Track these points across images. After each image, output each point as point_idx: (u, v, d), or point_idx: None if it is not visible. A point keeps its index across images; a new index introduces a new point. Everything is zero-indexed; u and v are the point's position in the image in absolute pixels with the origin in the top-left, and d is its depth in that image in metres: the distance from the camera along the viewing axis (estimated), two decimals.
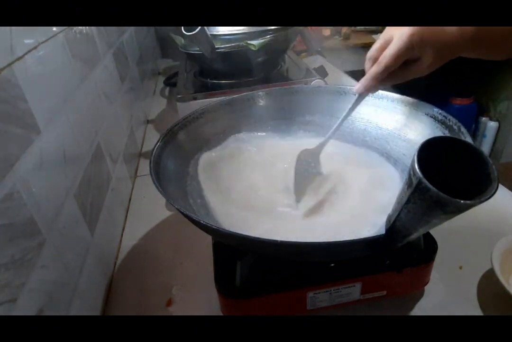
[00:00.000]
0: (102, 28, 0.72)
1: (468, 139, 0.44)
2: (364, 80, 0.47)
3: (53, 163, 0.43)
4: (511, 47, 0.47)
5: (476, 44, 0.44)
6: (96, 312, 0.49)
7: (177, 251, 0.59)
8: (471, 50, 0.45)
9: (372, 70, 0.45)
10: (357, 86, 0.48)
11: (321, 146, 0.53)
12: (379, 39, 0.45)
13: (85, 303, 0.46)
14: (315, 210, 0.48)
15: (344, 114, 0.51)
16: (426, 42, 0.42)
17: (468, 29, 0.43)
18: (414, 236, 0.33)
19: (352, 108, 0.50)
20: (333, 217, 0.47)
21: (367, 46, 1.61)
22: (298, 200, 0.50)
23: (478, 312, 0.47)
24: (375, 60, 0.45)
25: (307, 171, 0.53)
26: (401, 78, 0.46)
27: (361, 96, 0.49)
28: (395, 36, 0.43)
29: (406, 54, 0.43)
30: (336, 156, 0.56)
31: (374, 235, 0.35)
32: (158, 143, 0.48)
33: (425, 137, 0.28)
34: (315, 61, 1.26)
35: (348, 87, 0.60)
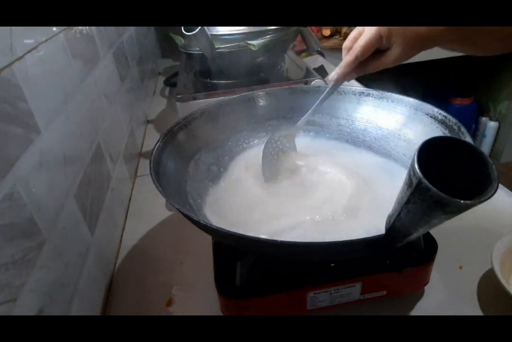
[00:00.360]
0: (102, 28, 0.72)
1: (468, 139, 0.44)
2: (337, 68, 0.49)
3: (53, 163, 0.43)
4: (489, 43, 0.46)
5: (450, 37, 0.44)
6: (96, 312, 0.49)
7: (177, 251, 0.59)
8: (446, 42, 0.46)
9: (345, 59, 0.48)
10: (331, 74, 0.51)
11: (295, 129, 0.55)
12: (354, 31, 0.48)
13: (85, 303, 0.46)
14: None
15: (318, 100, 0.53)
16: (393, 32, 0.44)
17: None
18: (414, 236, 0.33)
19: (326, 95, 0.53)
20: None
21: None
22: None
23: (478, 312, 0.47)
24: (349, 49, 0.48)
25: (280, 152, 0.54)
26: (372, 67, 0.48)
27: (336, 84, 0.52)
28: (366, 28, 0.45)
29: (375, 45, 0.45)
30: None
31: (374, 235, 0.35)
32: (158, 143, 0.48)
33: (425, 137, 0.28)
34: (315, 61, 1.26)
35: (348, 87, 0.60)
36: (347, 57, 0.47)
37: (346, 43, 0.48)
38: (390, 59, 0.46)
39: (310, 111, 0.54)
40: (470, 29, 0.43)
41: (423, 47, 0.45)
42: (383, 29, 0.44)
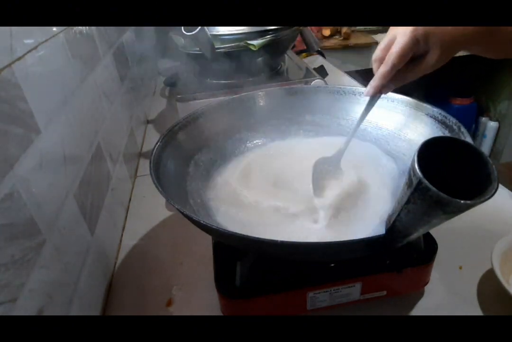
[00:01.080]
0: (102, 28, 0.72)
1: (468, 139, 0.44)
2: (372, 81, 0.46)
3: (53, 163, 0.43)
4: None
5: (481, 37, 0.42)
6: (96, 312, 0.49)
7: (177, 251, 0.59)
8: (478, 43, 0.43)
9: (379, 70, 0.44)
10: (366, 89, 0.47)
11: (339, 153, 0.51)
12: (383, 40, 0.45)
13: (85, 303, 0.46)
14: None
15: (358, 119, 0.49)
16: (431, 35, 0.41)
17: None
18: (414, 236, 0.33)
19: (365, 112, 0.49)
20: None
21: (367, 46, 1.62)
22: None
23: (478, 312, 0.47)
24: (381, 60, 0.44)
25: (327, 178, 0.50)
26: (412, 75, 0.45)
27: (373, 98, 0.48)
28: (399, 34, 0.43)
29: (412, 50, 0.42)
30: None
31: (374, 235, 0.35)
32: (158, 143, 0.48)
33: (425, 137, 0.28)
34: (315, 61, 1.26)
35: (348, 87, 0.60)
36: (382, 68, 0.44)
37: (376, 54, 0.45)
38: (430, 63, 0.43)
39: (350, 135, 0.50)
40: (498, 30, 0.41)
41: (459, 48, 0.43)
42: (419, 31, 0.41)
